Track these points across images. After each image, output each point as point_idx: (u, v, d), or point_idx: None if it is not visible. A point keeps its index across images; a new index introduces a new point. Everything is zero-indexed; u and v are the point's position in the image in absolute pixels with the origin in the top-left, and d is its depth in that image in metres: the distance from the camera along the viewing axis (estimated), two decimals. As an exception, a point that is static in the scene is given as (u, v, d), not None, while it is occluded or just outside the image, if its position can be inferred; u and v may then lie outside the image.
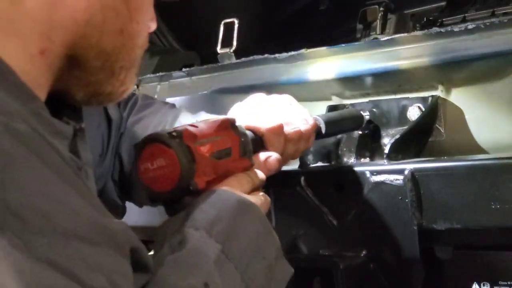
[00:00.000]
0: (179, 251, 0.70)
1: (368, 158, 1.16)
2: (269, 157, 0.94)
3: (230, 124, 0.87)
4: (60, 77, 0.70)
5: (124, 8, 0.71)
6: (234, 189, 0.82)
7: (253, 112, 0.97)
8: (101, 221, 0.59)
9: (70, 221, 0.56)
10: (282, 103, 1.01)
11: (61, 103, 0.74)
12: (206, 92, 1.42)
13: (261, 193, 0.87)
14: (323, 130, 1.07)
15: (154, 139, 0.79)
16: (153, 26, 0.78)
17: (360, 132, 1.18)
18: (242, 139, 0.88)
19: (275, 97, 1.02)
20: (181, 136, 0.78)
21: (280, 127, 0.96)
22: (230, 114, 0.98)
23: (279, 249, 0.81)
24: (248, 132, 0.91)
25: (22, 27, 0.65)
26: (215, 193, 0.79)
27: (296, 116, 1.00)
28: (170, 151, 0.78)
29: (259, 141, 0.94)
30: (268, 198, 0.87)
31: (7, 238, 0.53)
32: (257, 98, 1.01)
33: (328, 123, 1.08)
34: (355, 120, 1.17)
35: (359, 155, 1.17)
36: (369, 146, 1.17)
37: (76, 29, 0.68)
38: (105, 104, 0.80)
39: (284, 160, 0.97)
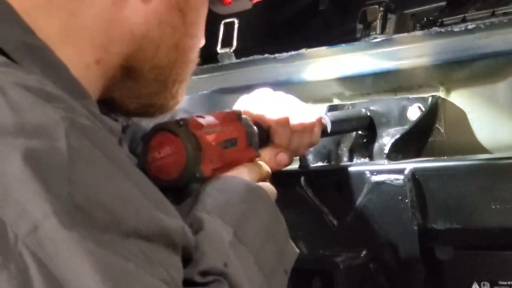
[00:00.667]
0: (196, 234, 0.71)
1: (368, 158, 1.16)
2: (279, 152, 0.94)
3: (236, 116, 0.89)
4: (112, 87, 0.72)
5: (180, 23, 0.73)
6: (242, 176, 0.83)
7: (260, 105, 0.98)
8: (161, 221, 0.60)
9: (133, 219, 0.58)
10: (287, 98, 1.01)
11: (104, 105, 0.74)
12: (206, 92, 1.42)
13: (268, 183, 0.88)
14: (329, 128, 1.08)
15: (161, 128, 0.80)
16: (203, 41, 0.80)
17: (360, 132, 1.18)
18: (248, 130, 0.89)
19: (280, 93, 1.03)
20: (187, 124, 0.80)
21: (286, 120, 0.96)
22: (237, 107, 0.99)
23: (287, 232, 0.81)
24: (255, 124, 0.92)
25: (79, 37, 0.66)
26: (221, 179, 0.80)
27: (300, 110, 1.01)
28: (176, 139, 0.79)
29: (265, 133, 0.95)
30: (274, 189, 0.87)
31: (77, 231, 0.54)
32: (263, 92, 1.02)
33: (334, 121, 1.09)
34: (360, 120, 1.17)
35: (358, 155, 1.17)
36: (367, 145, 1.17)
37: (132, 42, 0.69)
38: (155, 116, 0.82)
39: (290, 154, 0.97)
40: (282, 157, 0.95)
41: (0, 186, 0.54)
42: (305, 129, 1.00)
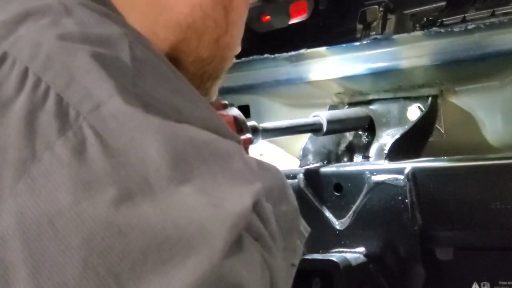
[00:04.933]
0: None
1: (367, 158, 1.16)
2: None
3: (221, 106, 0.91)
4: None
5: (223, 20, 0.74)
6: None
7: None
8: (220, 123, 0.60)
9: (199, 122, 0.57)
10: None
11: None
12: (206, 92, 1.42)
13: None
14: (324, 128, 1.08)
15: None
16: (239, 49, 0.81)
17: (360, 132, 1.18)
18: (237, 117, 0.91)
19: None
20: None
21: None
22: None
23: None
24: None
25: (130, 14, 0.67)
26: None
27: None
28: None
29: None
30: None
31: (142, 108, 0.53)
32: None
33: (330, 121, 1.09)
34: (359, 120, 1.17)
35: (358, 155, 1.17)
36: (367, 145, 1.17)
37: (178, 31, 0.71)
38: None
39: None
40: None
41: (66, 75, 0.54)
42: None
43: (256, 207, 0.54)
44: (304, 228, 0.76)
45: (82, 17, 0.59)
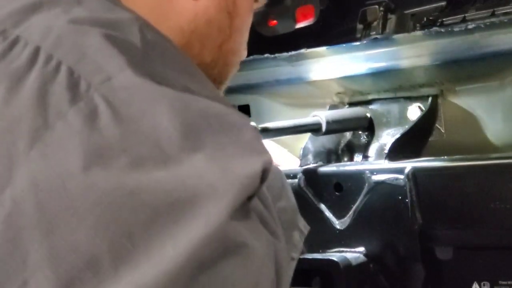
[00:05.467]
0: None
1: (368, 158, 1.16)
2: None
3: None
4: None
5: (226, 26, 0.75)
6: None
7: None
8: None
9: (210, 96, 0.58)
10: None
11: None
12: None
13: None
14: (324, 128, 1.08)
15: None
16: (244, 54, 0.83)
17: (360, 132, 1.18)
18: None
19: None
20: None
21: None
22: None
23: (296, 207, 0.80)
24: None
25: None
26: None
27: None
28: None
29: None
30: None
31: (152, 80, 0.54)
32: None
33: (330, 121, 1.08)
34: (359, 120, 1.17)
35: (358, 154, 1.17)
36: (367, 145, 1.17)
37: (181, 37, 0.71)
38: None
39: None
40: None
41: (77, 52, 0.55)
42: None
43: (263, 180, 0.55)
44: (304, 225, 0.77)
45: (93, 5, 0.60)
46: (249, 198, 0.55)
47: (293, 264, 0.75)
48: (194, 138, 0.53)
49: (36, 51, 0.56)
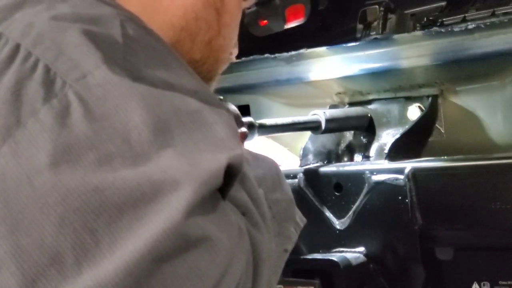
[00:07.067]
0: None
1: (368, 158, 1.16)
2: None
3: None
4: None
5: (215, 22, 0.76)
6: None
7: None
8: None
9: (191, 90, 0.58)
10: None
11: None
12: (206, 92, 1.42)
13: None
14: (323, 126, 1.08)
15: None
16: (235, 51, 0.83)
17: (360, 132, 1.18)
18: (232, 111, 0.91)
19: None
20: None
21: None
22: None
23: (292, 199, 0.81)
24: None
25: None
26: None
27: None
28: None
29: None
30: None
31: (128, 78, 0.54)
32: None
33: (329, 119, 1.08)
34: (359, 119, 1.17)
35: (358, 154, 1.17)
36: (367, 145, 1.17)
37: (172, 33, 0.72)
38: None
39: None
40: None
41: (55, 50, 0.55)
42: None
43: (235, 174, 0.55)
44: (300, 218, 0.77)
45: (77, 2, 0.61)
46: (223, 191, 0.56)
47: (286, 256, 0.75)
48: (165, 134, 0.53)
49: (16, 49, 0.56)
